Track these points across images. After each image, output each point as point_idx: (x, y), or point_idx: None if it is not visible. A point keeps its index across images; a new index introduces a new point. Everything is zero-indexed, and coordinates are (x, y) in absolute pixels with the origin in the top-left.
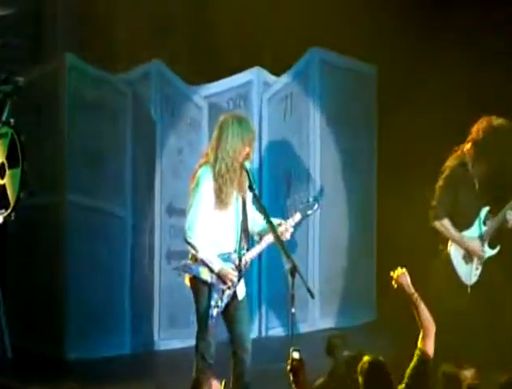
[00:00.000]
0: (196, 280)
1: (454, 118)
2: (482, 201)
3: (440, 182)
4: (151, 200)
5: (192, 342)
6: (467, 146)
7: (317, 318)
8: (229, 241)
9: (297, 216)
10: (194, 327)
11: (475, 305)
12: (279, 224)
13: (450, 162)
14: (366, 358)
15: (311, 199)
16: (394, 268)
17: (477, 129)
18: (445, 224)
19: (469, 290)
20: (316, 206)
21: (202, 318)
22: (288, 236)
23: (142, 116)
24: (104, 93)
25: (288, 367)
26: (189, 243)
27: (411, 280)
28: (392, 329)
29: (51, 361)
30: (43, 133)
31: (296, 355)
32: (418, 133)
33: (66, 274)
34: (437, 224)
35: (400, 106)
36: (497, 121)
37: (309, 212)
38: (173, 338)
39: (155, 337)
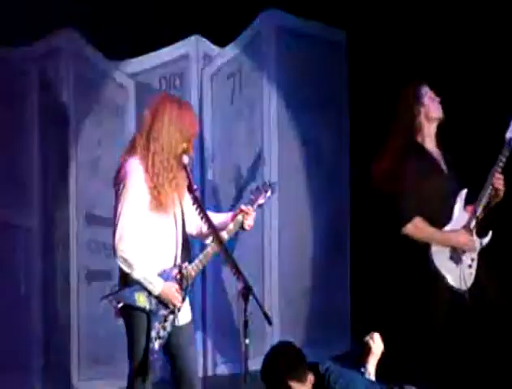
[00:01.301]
0: (130, 309)
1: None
2: (453, 183)
3: (399, 181)
4: (63, 206)
5: (120, 382)
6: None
7: None
8: (169, 254)
9: (248, 210)
10: (120, 366)
11: (477, 314)
12: (240, 212)
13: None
14: None
15: (261, 185)
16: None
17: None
18: (417, 224)
19: (467, 297)
20: (269, 192)
21: (141, 355)
22: (251, 222)
23: (51, 101)
24: (2, 73)
25: None
26: (122, 259)
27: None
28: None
29: None
30: None
31: None
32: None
33: None
34: (408, 228)
35: (378, 83)
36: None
37: (261, 201)
38: (96, 378)
39: (74, 379)
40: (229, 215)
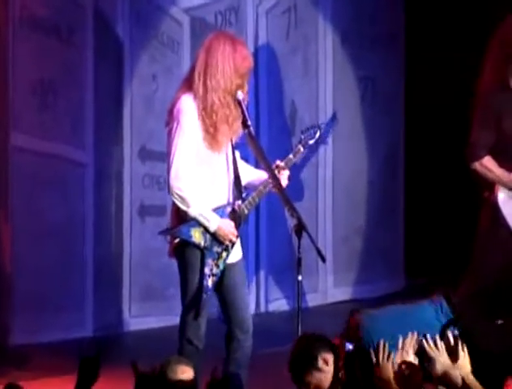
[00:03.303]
0: (184, 245)
1: None
2: None
3: (475, 113)
4: (118, 141)
5: (172, 319)
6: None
7: (330, 287)
8: (223, 191)
9: (299, 150)
10: (173, 302)
11: None
12: (276, 167)
13: (485, 84)
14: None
15: (310, 126)
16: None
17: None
18: (486, 164)
19: None
20: (318, 132)
21: (194, 292)
22: (283, 180)
23: (106, 34)
24: (57, 7)
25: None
26: (177, 196)
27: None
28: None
29: None
30: None
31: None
32: (457, 57)
33: (7, 238)
34: (476, 165)
35: (435, 22)
36: None
37: (311, 142)
38: (148, 315)
39: (125, 314)
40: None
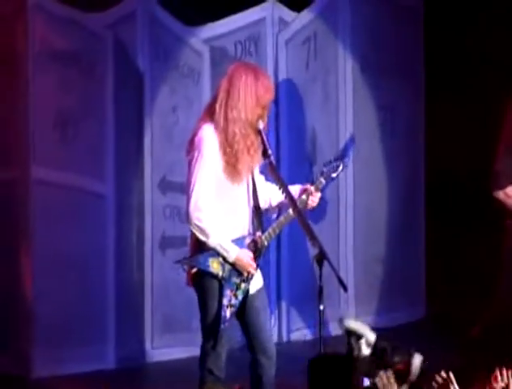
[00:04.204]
0: (202, 275)
1: None
2: None
3: (502, 141)
4: (138, 173)
5: (194, 350)
6: None
7: (351, 316)
8: (242, 222)
9: (320, 182)
10: (196, 333)
11: None
12: (304, 191)
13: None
14: None
15: (333, 159)
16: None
17: None
18: (510, 193)
19: None
20: (341, 166)
21: (212, 322)
22: (314, 202)
23: (127, 66)
24: (77, 39)
25: None
26: (196, 226)
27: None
28: (445, 329)
29: (15, 380)
30: None
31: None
32: (479, 85)
33: (29, 271)
34: (499, 193)
35: (454, 49)
36: None
37: (334, 175)
38: (170, 346)
39: (147, 346)
40: (296, 190)
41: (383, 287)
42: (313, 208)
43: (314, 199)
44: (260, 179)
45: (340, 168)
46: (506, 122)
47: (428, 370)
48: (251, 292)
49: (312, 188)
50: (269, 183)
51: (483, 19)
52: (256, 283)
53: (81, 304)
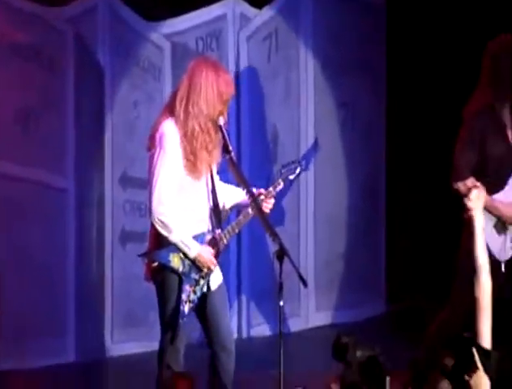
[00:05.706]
0: (162, 270)
1: None
2: None
3: (460, 134)
4: (99, 167)
5: (154, 345)
6: (486, 80)
7: (311, 312)
8: (203, 218)
9: (279, 183)
10: (156, 327)
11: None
12: (259, 195)
13: (471, 106)
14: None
15: (292, 161)
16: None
17: (494, 52)
18: (469, 185)
19: (503, 268)
20: (299, 169)
21: (170, 317)
22: (267, 208)
23: (87, 61)
24: (37, 33)
25: None
26: (159, 221)
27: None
28: (405, 324)
29: None
30: None
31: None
32: (438, 81)
33: None
34: (459, 185)
35: (415, 46)
36: None
37: (291, 177)
38: (130, 341)
39: (107, 340)
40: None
41: (344, 282)
42: (268, 214)
43: (268, 205)
44: (216, 179)
45: (298, 170)
46: (465, 114)
47: (387, 366)
48: (212, 288)
49: (270, 188)
50: (224, 184)
51: (445, 16)
52: (216, 279)
53: (41, 298)
